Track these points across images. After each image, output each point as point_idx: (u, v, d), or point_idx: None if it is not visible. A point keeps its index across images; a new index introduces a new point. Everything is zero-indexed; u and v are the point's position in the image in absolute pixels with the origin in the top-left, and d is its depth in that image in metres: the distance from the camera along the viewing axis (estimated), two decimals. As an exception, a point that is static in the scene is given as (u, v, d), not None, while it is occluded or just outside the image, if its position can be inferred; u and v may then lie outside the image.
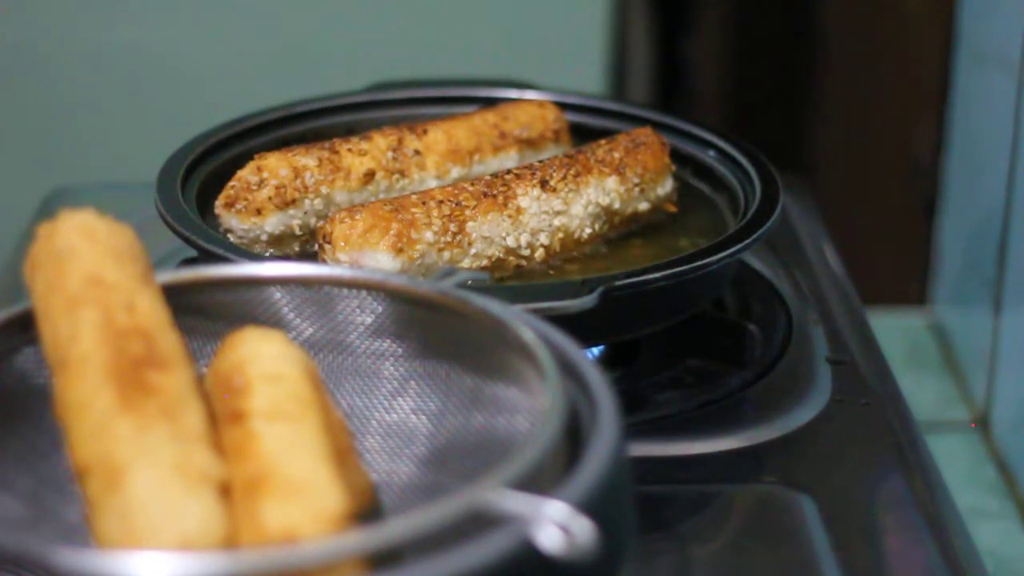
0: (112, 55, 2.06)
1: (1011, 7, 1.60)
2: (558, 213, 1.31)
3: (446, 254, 1.26)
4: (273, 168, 1.32)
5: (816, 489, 1.17)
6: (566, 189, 1.31)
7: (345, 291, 1.00)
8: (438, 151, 1.39)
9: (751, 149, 1.41)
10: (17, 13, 2.03)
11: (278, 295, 1.00)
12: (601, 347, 1.33)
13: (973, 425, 1.63)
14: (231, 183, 1.32)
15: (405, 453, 0.97)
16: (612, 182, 1.34)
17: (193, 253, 1.27)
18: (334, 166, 1.33)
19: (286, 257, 1.32)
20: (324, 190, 1.33)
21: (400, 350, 0.99)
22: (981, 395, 1.64)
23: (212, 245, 1.23)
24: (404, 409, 0.98)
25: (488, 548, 0.77)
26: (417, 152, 1.38)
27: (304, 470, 0.83)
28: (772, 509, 1.16)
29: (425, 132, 1.39)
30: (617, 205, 1.35)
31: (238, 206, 1.31)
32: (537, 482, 0.82)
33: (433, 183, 1.37)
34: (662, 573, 1.10)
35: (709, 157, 1.44)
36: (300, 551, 0.77)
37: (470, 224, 1.27)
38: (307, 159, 1.33)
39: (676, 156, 1.42)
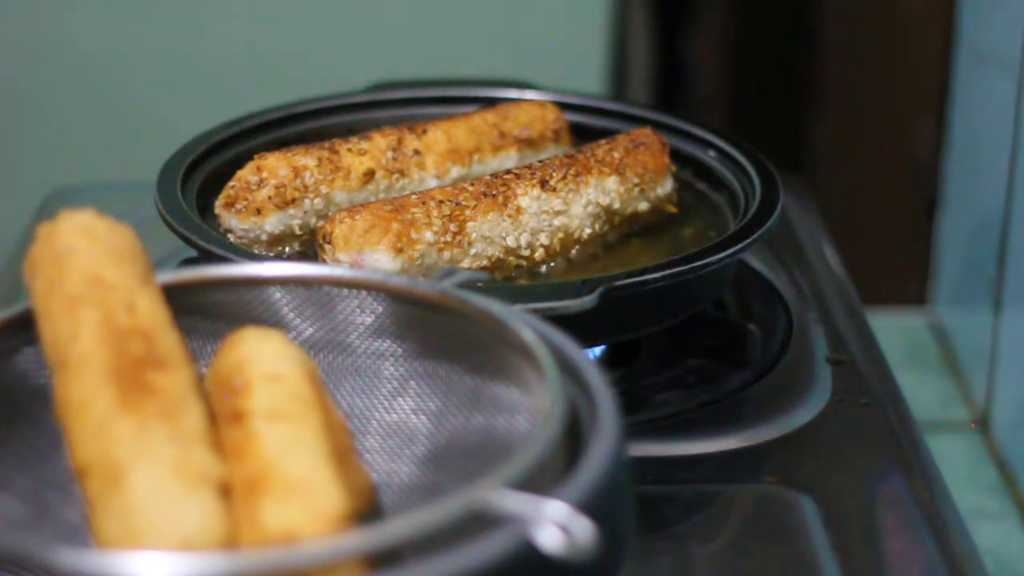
0: (112, 55, 2.06)
1: (1011, 7, 1.60)
2: (558, 213, 1.31)
3: (446, 254, 1.26)
4: (273, 168, 1.32)
5: (816, 489, 1.17)
6: (566, 189, 1.31)
7: (345, 291, 1.00)
8: (438, 151, 1.39)
9: (751, 149, 1.41)
10: (17, 13, 2.03)
11: (278, 295, 1.00)
12: (601, 347, 1.33)
13: (973, 425, 1.63)
14: (231, 183, 1.32)
15: (405, 453, 0.97)
16: (612, 182, 1.34)
17: (193, 253, 1.27)
18: (334, 166, 1.34)
19: (286, 257, 1.32)
20: (324, 190, 1.33)
21: (400, 350, 0.99)
22: (981, 395, 1.64)
23: (212, 245, 1.23)
24: (404, 409, 0.98)
25: (488, 548, 0.77)
26: (417, 152, 1.38)
27: (304, 470, 0.83)
28: (772, 509, 1.16)
29: (425, 132, 1.39)
30: (617, 205, 1.35)
31: (238, 206, 1.31)
32: (537, 482, 0.82)
33: (433, 183, 1.37)
34: (662, 573, 1.10)
35: (709, 157, 1.44)
36: (300, 551, 0.77)
37: (470, 224, 1.27)
38: (307, 159, 1.33)
39: (676, 156, 1.42)
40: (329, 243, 1.24)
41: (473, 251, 1.27)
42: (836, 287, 1.47)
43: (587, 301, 1.15)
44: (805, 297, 1.43)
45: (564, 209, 1.31)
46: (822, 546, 1.10)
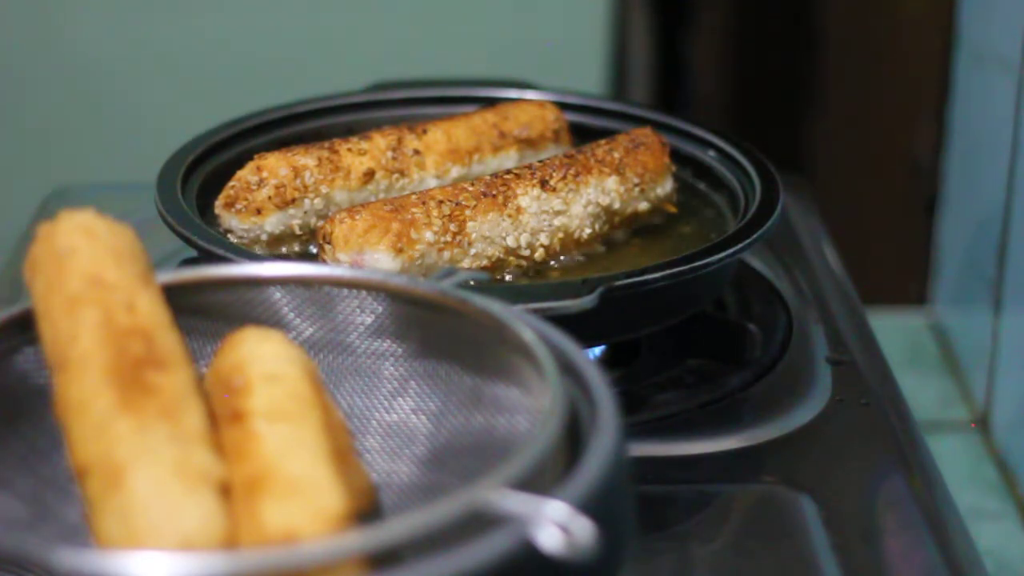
0: (112, 55, 2.06)
1: (1011, 7, 1.60)
2: (558, 213, 1.31)
3: (446, 254, 1.26)
4: (273, 168, 1.32)
5: (816, 489, 1.17)
6: (566, 189, 1.31)
7: (345, 291, 1.00)
8: (438, 151, 1.39)
9: (751, 149, 1.41)
10: (16, 13, 2.03)
11: (278, 295, 1.00)
12: (601, 347, 1.32)
13: (973, 425, 1.63)
14: (231, 183, 1.32)
15: (405, 453, 0.97)
16: (612, 182, 1.34)
17: (193, 253, 1.27)
18: (334, 166, 1.34)
19: (286, 257, 1.32)
20: (324, 190, 1.33)
21: (400, 350, 0.99)
22: (981, 395, 1.64)
23: (212, 245, 1.23)
24: (404, 409, 0.98)
25: (488, 548, 0.77)
26: (417, 152, 1.38)
27: (304, 470, 0.83)
28: (772, 509, 1.16)
29: (425, 132, 1.39)
30: (617, 205, 1.35)
31: (238, 206, 1.31)
32: (537, 482, 0.82)
33: (433, 183, 1.37)
34: (662, 573, 1.10)
35: (709, 157, 1.44)
36: (300, 551, 0.77)
37: (470, 224, 1.27)
38: (307, 159, 1.33)
39: (676, 156, 1.42)
40: (329, 243, 1.24)
41: (473, 251, 1.27)
42: (836, 287, 1.47)
43: (587, 301, 1.15)
44: (805, 297, 1.43)
45: (564, 209, 1.31)
46: (822, 546, 1.10)
